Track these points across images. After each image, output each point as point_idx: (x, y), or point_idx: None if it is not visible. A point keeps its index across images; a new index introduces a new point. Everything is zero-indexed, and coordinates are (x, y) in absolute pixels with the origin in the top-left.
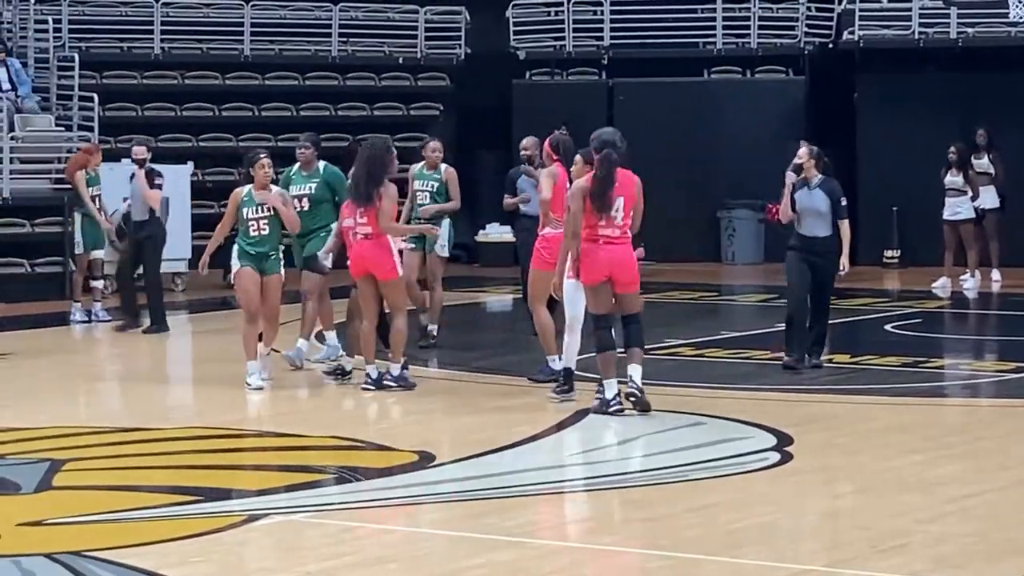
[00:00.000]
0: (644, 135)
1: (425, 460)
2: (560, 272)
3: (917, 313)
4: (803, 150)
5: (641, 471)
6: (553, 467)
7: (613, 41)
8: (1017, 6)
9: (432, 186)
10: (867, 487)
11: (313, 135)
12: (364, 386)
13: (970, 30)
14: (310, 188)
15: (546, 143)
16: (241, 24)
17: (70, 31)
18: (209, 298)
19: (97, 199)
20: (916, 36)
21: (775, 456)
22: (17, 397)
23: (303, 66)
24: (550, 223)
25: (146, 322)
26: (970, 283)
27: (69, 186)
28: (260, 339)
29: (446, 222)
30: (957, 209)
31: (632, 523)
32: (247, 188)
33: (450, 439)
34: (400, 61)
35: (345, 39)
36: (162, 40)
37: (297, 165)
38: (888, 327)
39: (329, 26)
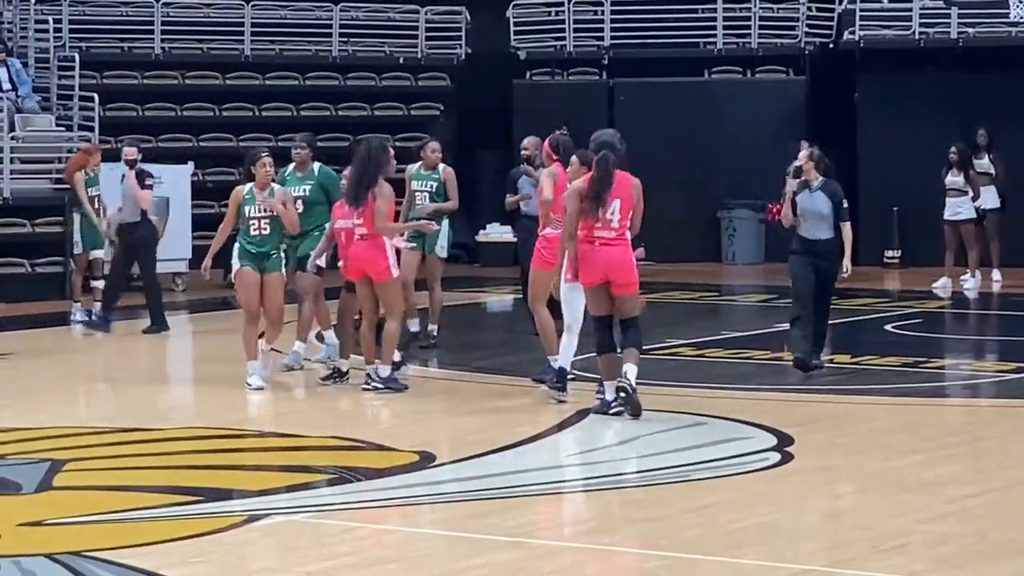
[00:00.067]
0: (645, 135)
1: (425, 460)
2: (560, 272)
3: (918, 313)
4: (803, 153)
5: (641, 471)
6: (553, 467)
7: (613, 41)
8: (1018, 6)
9: (431, 186)
10: (867, 487)
11: (309, 135)
12: (364, 387)
13: (971, 30)
14: (304, 190)
15: (545, 143)
16: (241, 24)
17: (70, 31)
18: (209, 298)
19: (96, 199)
20: (917, 36)
21: (775, 456)
22: (17, 397)
23: (303, 66)
24: (550, 223)
25: (144, 324)
26: (971, 283)
27: (69, 186)
28: (262, 337)
29: (444, 223)
30: (958, 209)
31: (632, 523)
32: (248, 186)
33: (450, 439)
34: (401, 61)
35: (346, 39)
36: (163, 40)
37: (292, 166)
38: (888, 327)
39: (330, 26)
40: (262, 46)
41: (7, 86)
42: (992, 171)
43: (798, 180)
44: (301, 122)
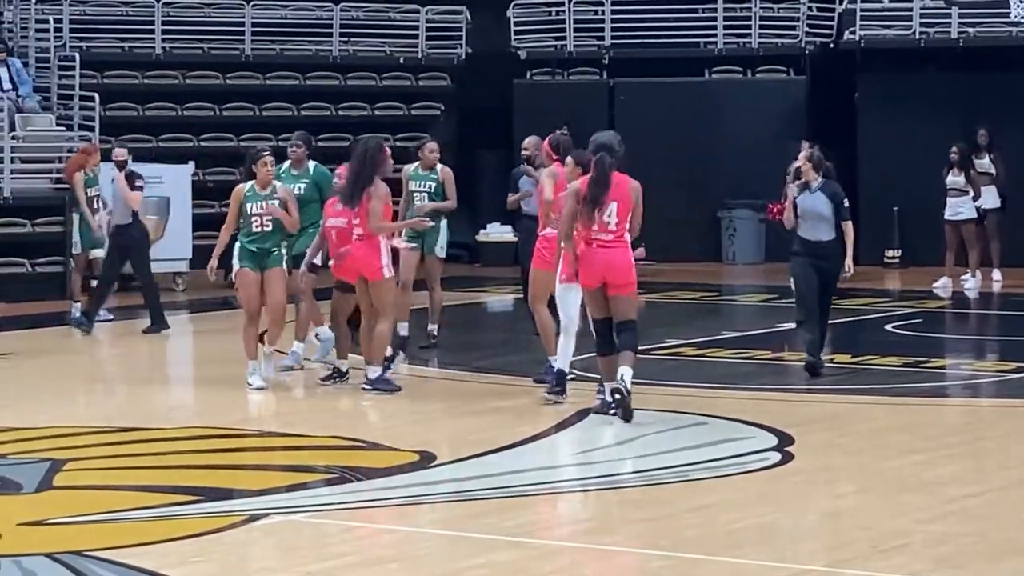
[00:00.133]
0: (645, 135)
1: (426, 460)
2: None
3: (918, 313)
4: (802, 154)
5: (641, 471)
6: (553, 467)
7: (614, 41)
8: (1018, 6)
9: (429, 187)
10: (868, 487)
11: (304, 134)
12: (364, 387)
13: (971, 30)
14: (300, 188)
15: (545, 143)
16: (242, 24)
17: (71, 31)
18: (209, 298)
19: (96, 199)
20: (917, 36)
21: (776, 456)
22: (17, 397)
23: (304, 66)
24: (551, 223)
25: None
26: (971, 283)
27: (69, 186)
28: (263, 339)
29: (443, 223)
30: (959, 209)
31: (632, 523)
32: (250, 184)
33: (451, 439)
34: (401, 61)
35: (346, 39)
36: (163, 40)
37: (287, 164)
38: (889, 327)
39: (330, 26)
40: (263, 46)
41: (7, 86)
42: (992, 171)
43: (798, 182)
44: (302, 122)
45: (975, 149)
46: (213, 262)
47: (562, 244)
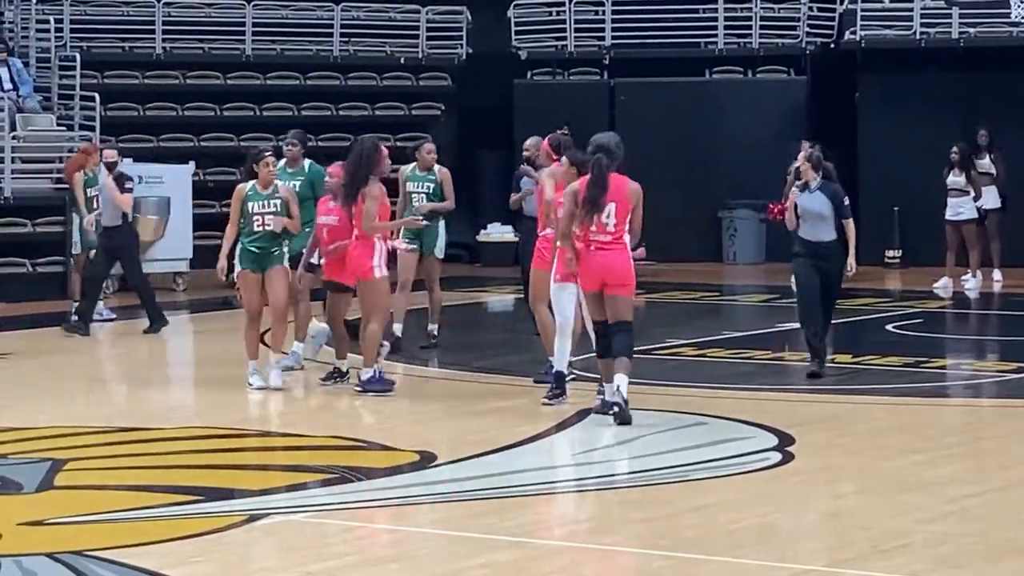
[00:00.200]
0: (645, 135)
1: (426, 460)
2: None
3: (918, 313)
4: (801, 154)
5: (641, 471)
6: (554, 467)
7: (614, 41)
8: (1019, 6)
9: (427, 188)
10: (868, 487)
11: (300, 132)
12: (356, 388)
13: (972, 30)
14: (294, 186)
15: (544, 143)
16: (243, 24)
17: (72, 31)
18: (209, 298)
19: (96, 199)
20: (918, 36)
21: (776, 456)
22: (17, 397)
23: (304, 66)
24: (551, 223)
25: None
26: (971, 283)
27: (69, 186)
28: (263, 339)
29: (440, 224)
30: (959, 209)
31: (632, 523)
32: (251, 184)
33: (451, 439)
34: (401, 61)
35: (346, 39)
36: (164, 40)
37: (283, 161)
38: (889, 327)
39: (331, 26)
40: (263, 46)
41: (8, 86)
42: (993, 171)
43: (799, 183)
44: (302, 122)
45: (976, 149)
46: (222, 262)
47: (558, 244)
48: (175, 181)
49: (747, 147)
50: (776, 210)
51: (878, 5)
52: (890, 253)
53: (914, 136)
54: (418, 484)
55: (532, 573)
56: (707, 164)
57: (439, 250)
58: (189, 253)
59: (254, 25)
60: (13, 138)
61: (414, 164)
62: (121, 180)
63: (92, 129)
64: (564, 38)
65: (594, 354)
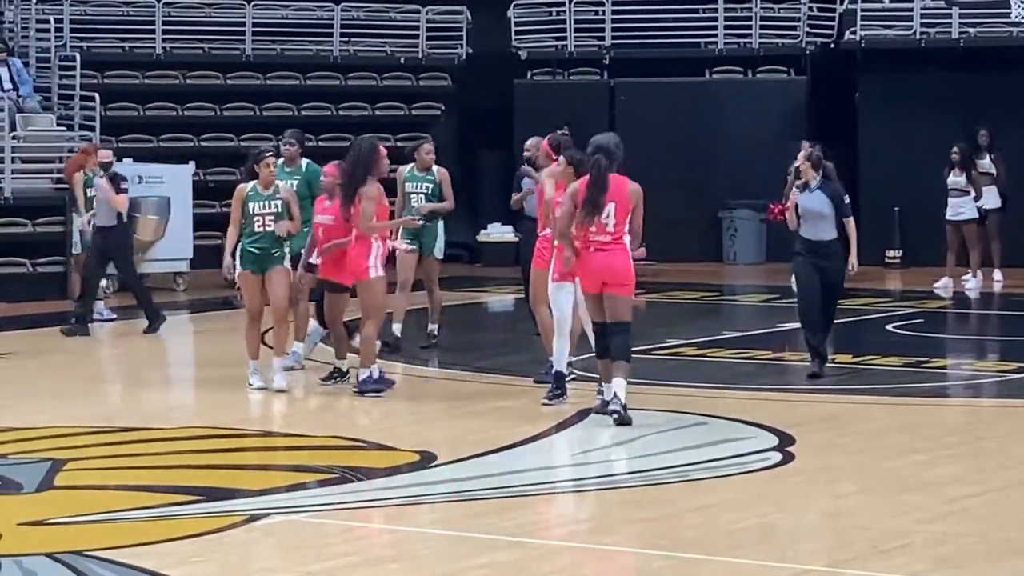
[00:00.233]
0: (645, 135)
1: (426, 460)
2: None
3: (919, 313)
4: (801, 154)
5: (642, 471)
6: (554, 467)
7: (614, 41)
8: (1019, 6)
9: (426, 188)
10: (868, 487)
11: (297, 132)
12: (354, 390)
13: (972, 30)
14: (292, 185)
15: (544, 143)
16: (243, 24)
17: (72, 31)
18: (209, 298)
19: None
20: (918, 36)
21: (776, 456)
22: (17, 397)
23: (304, 66)
24: (551, 223)
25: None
26: (972, 283)
27: (69, 186)
28: (265, 340)
29: (439, 224)
30: (960, 209)
31: (632, 523)
32: (252, 184)
33: (451, 439)
34: (401, 61)
35: (347, 39)
36: (164, 40)
37: (280, 161)
38: (890, 327)
39: (331, 26)
40: (263, 46)
41: (8, 86)
42: (993, 171)
43: (799, 182)
44: (302, 122)
45: (976, 149)
46: (228, 260)
47: (555, 242)
48: (175, 181)
49: (747, 147)
50: (777, 210)
51: (878, 5)
52: (890, 253)
53: (914, 136)
54: (418, 484)
55: (532, 573)
56: (707, 164)
57: (438, 250)
58: (189, 253)
59: (254, 25)
60: (13, 138)
61: (412, 164)
62: (116, 181)
63: (92, 129)
64: (564, 38)
65: (592, 354)
